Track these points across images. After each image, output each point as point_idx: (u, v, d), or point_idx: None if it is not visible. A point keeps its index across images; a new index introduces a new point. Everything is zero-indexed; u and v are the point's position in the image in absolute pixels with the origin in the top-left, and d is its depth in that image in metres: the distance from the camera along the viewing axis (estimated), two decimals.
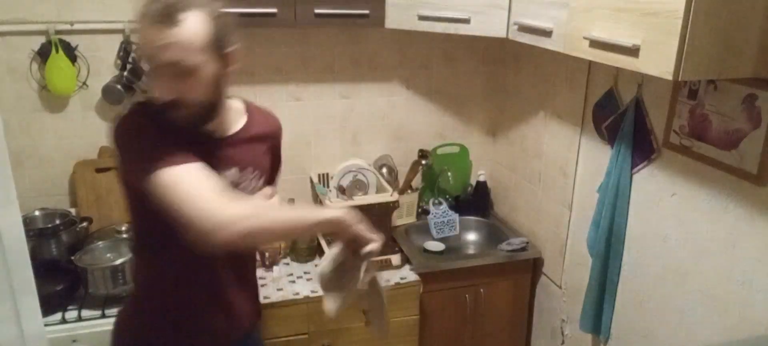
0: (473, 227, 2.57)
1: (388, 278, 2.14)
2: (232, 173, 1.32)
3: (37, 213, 2.05)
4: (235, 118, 1.34)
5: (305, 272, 2.17)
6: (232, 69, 1.21)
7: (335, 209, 1.33)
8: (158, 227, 1.16)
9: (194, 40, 1.11)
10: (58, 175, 2.19)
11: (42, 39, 2.05)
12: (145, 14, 1.10)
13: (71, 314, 1.74)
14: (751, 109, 1.39)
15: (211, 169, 1.24)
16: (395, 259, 2.20)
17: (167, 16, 1.08)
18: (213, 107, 1.21)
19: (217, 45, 1.15)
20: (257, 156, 1.39)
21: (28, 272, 0.75)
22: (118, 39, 2.12)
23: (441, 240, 2.43)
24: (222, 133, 1.31)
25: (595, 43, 1.45)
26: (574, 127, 2.08)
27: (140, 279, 1.42)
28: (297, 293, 2.03)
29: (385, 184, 2.28)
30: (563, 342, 2.26)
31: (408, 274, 2.19)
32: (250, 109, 1.40)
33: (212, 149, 1.28)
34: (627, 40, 1.32)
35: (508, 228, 2.51)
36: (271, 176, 1.48)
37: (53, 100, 2.12)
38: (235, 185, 1.34)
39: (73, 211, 2.14)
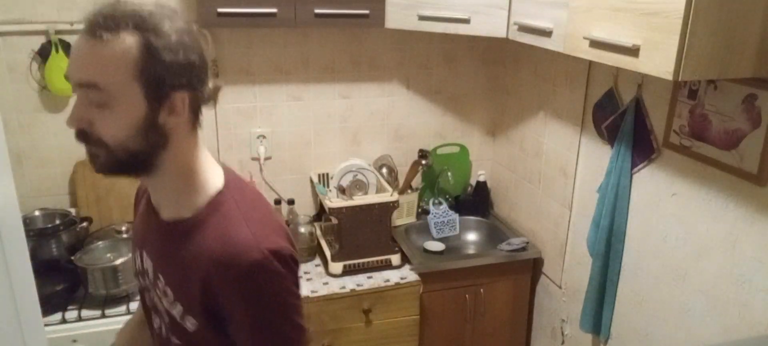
0: (473, 227, 2.57)
1: (388, 278, 2.14)
2: (148, 268, 1.05)
3: (37, 213, 2.05)
4: (194, 203, 0.97)
5: (305, 272, 2.17)
6: (173, 118, 0.91)
7: None
8: None
9: (120, 65, 0.86)
10: (58, 175, 2.19)
11: (42, 39, 2.05)
12: (83, 19, 0.92)
13: (71, 314, 1.74)
14: (751, 109, 1.39)
15: (135, 248, 1.08)
16: (395, 259, 2.20)
17: (97, 28, 0.88)
18: (134, 160, 0.91)
19: (154, 81, 0.88)
20: (180, 276, 0.97)
21: (28, 272, 0.75)
22: None
23: (441, 240, 2.43)
24: (163, 211, 1.01)
25: (595, 43, 1.45)
26: (574, 127, 2.08)
27: None
28: None
29: (385, 184, 2.28)
30: (563, 342, 2.26)
31: (408, 274, 2.19)
32: (223, 204, 0.97)
33: (151, 225, 1.03)
34: (627, 40, 1.32)
35: (508, 228, 2.51)
36: (215, 330, 0.97)
37: (53, 100, 2.12)
38: (144, 288, 1.10)
39: (73, 211, 2.14)
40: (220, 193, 0.98)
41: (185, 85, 0.91)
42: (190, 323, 0.97)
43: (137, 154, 0.91)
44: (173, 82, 0.89)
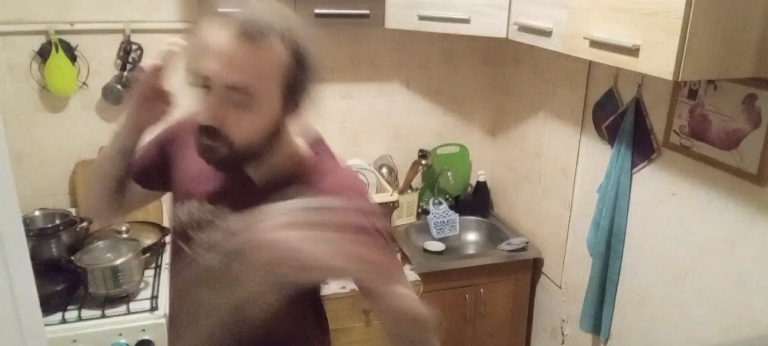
0: (473, 227, 2.57)
1: None
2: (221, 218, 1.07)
3: (37, 213, 2.05)
4: (290, 168, 1.05)
5: None
6: (292, 121, 0.99)
7: None
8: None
9: (272, 72, 0.90)
10: (58, 175, 2.19)
11: (42, 39, 2.04)
12: (220, 22, 0.91)
13: (71, 314, 1.74)
14: (751, 109, 1.39)
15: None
16: None
17: (251, 33, 0.88)
18: (250, 156, 0.97)
19: (293, 88, 0.93)
20: None
21: (28, 272, 0.75)
22: (118, 39, 2.12)
23: (441, 240, 2.43)
24: (256, 177, 1.05)
25: (595, 43, 1.45)
26: (574, 127, 2.08)
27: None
28: None
29: (385, 184, 2.28)
30: (563, 342, 2.26)
31: (408, 274, 2.18)
32: (316, 168, 1.05)
33: (244, 195, 1.02)
34: (627, 40, 1.32)
35: (508, 228, 2.51)
36: None
37: (53, 100, 2.12)
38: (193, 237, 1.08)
39: (73, 211, 2.13)
40: (309, 157, 1.06)
41: (311, 90, 0.97)
42: None
43: (255, 151, 0.96)
44: (306, 88, 0.95)
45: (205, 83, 0.92)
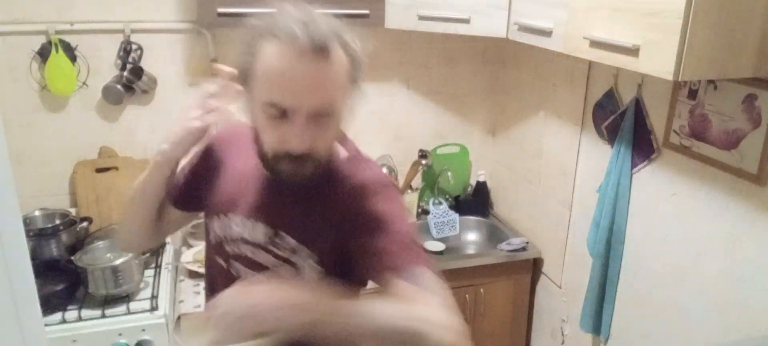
0: (473, 227, 2.57)
1: None
2: (259, 233, 1.08)
3: (37, 213, 2.05)
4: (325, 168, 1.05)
5: None
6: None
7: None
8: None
9: (344, 83, 0.91)
10: (58, 175, 2.19)
11: (42, 39, 2.04)
12: (284, 39, 0.87)
13: (71, 314, 1.74)
14: (751, 109, 1.39)
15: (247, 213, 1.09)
16: None
17: (321, 47, 0.86)
18: (328, 160, 0.98)
19: (355, 88, 0.96)
20: (312, 226, 1.03)
21: (28, 272, 0.75)
22: (118, 39, 2.12)
23: (441, 240, 2.43)
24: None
25: (595, 43, 1.45)
26: (574, 127, 2.08)
27: None
28: None
29: None
30: (563, 342, 2.26)
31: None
32: (343, 162, 1.06)
33: (266, 193, 1.07)
34: (627, 40, 1.32)
35: (508, 228, 2.51)
36: (330, 263, 1.04)
37: (53, 100, 2.12)
38: (238, 252, 1.09)
39: (73, 211, 2.14)
40: (340, 155, 1.06)
41: (362, 75, 0.97)
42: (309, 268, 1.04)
43: (328, 159, 0.97)
44: (360, 85, 0.97)
45: (281, 110, 0.90)
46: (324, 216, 1.02)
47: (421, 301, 0.91)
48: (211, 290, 1.18)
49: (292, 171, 0.94)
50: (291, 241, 1.04)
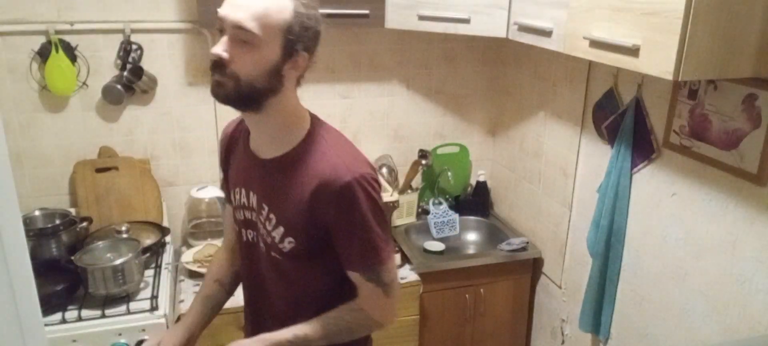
0: (473, 227, 2.57)
1: None
2: (253, 201, 1.25)
3: (37, 213, 2.05)
4: (291, 140, 1.19)
5: None
6: (292, 72, 1.13)
7: None
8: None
9: (276, 21, 1.07)
10: (58, 175, 2.19)
11: (42, 39, 2.05)
12: None
13: (71, 314, 1.73)
14: (751, 109, 1.39)
15: (234, 186, 1.29)
16: (395, 259, 2.20)
17: None
18: (253, 95, 1.11)
19: (293, 39, 1.09)
20: (285, 202, 1.18)
21: (28, 272, 0.75)
22: (118, 39, 2.12)
23: (441, 240, 2.43)
24: (262, 152, 1.22)
25: (595, 43, 1.45)
26: (574, 127, 2.08)
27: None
28: None
29: (385, 184, 2.28)
30: (563, 342, 2.26)
31: (408, 274, 2.19)
32: (316, 140, 1.19)
33: (253, 166, 1.24)
34: (627, 40, 1.32)
35: (508, 228, 2.51)
36: (307, 248, 1.21)
37: (53, 100, 2.12)
38: (246, 222, 1.29)
39: (73, 211, 2.13)
40: (310, 132, 1.19)
41: (308, 49, 1.13)
42: (288, 243, 1.20)
43: (258, 92, 1.10)
44: (303, 45, 1.11)
45: (220, 25, 1.08)
46: (299, 196, 1.16)
47: (367, 303, 1.23)
48: (239, 257, 1.39)
49: (215, 81, 1.10)
50: (270, 214, 1.21)
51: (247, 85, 1.09)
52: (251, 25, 1.05)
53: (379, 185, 1.20)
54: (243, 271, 1.40)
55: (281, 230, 1.19)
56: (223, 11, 1.09)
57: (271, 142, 1.20)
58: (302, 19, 1.10)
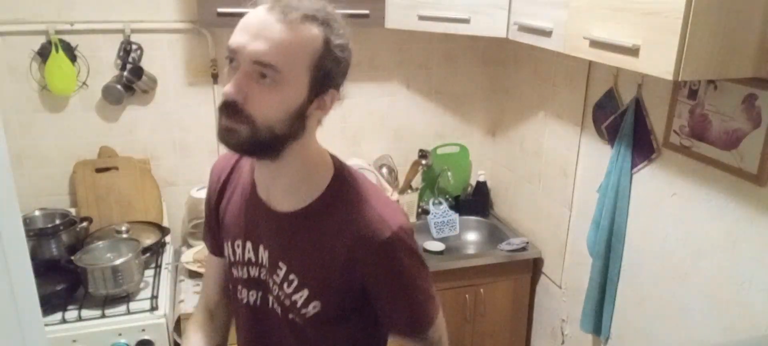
0: (473, 227, 2.57)
1: None
2: (264, 257, 1.05)
3: (37, 213, 2.05)
4: (312, 191, 1.00)
5: None
6: (318, 112, 0.95)
7: None
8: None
9: (303, 54, 0.88)
10: (58, 175, 2.19)
11: (42, 39, 2.05)
12: (264, 4, 0.89)
13: (71, 314, 1.74)
14: (751, 109, 1.39)
15: (237, 243, 1.09)
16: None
17: (289, 11, 0.87)
18: (272, 142, 0.91)
19: (322, 76, 0.90)
20: (309, 262, 1.00)
21: (28, 272, 0.75)
22: (118, 39, 2.12)
23: (441, 240, 2.43)
24: (277, 202, 1.01)
25: (595, 43, 1.45)
26: (574, 127, 2.08)
27: None
28: None
29: (385, 184, 2.28)
30: (563, 342, 2.26)
31: None
32: (343, 188, 1.00)
33: (262, 218, 1.04)
34: (627, 40, 1.32)
35: (508, 228, 2.51)
36: (336, 313, 1.04)
37: (53, 100, 2.12)
38: (250, 281, 1.09)
39: (73, 211, 2.13)
40: (334, 178, 1.01)
41: (338, 85, 0.95)
42: (312, 308, 1.02)
43: (277, 138, 0.91)
44: (334, 81, 0.93)
45: (231, 56, 0.89)
46: (329, 255, 0.98)
47: None
48: (233, 310, 1.22)
49: (225, 126, 0.90)
50: (290, 275, 1.02)
51: (266, 130, 0.89)
52: (274, 59, 0.85)
53: (413, 232, 1.03)
54: (243, 339, 1.19)
55: (305, 293, 1.01)
56: (237, 41, 0.88)
57: (288, 192, 1.00)
58: (334, 52, 0.91)
